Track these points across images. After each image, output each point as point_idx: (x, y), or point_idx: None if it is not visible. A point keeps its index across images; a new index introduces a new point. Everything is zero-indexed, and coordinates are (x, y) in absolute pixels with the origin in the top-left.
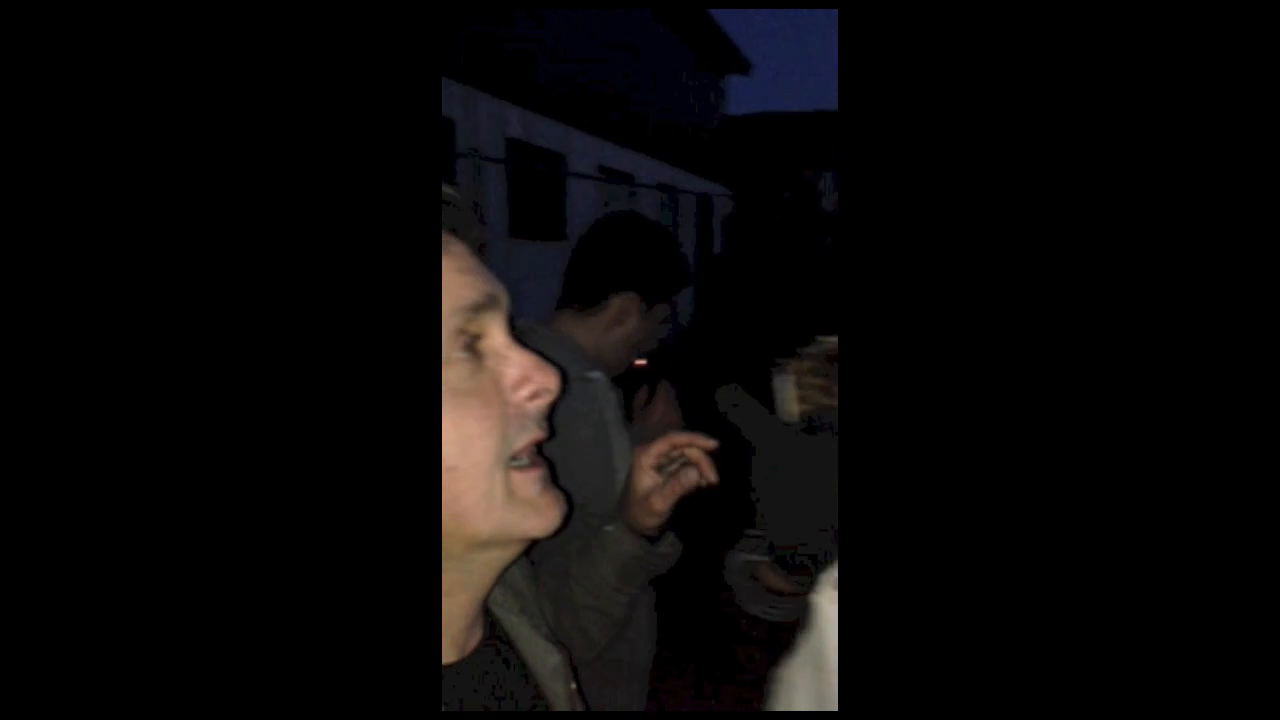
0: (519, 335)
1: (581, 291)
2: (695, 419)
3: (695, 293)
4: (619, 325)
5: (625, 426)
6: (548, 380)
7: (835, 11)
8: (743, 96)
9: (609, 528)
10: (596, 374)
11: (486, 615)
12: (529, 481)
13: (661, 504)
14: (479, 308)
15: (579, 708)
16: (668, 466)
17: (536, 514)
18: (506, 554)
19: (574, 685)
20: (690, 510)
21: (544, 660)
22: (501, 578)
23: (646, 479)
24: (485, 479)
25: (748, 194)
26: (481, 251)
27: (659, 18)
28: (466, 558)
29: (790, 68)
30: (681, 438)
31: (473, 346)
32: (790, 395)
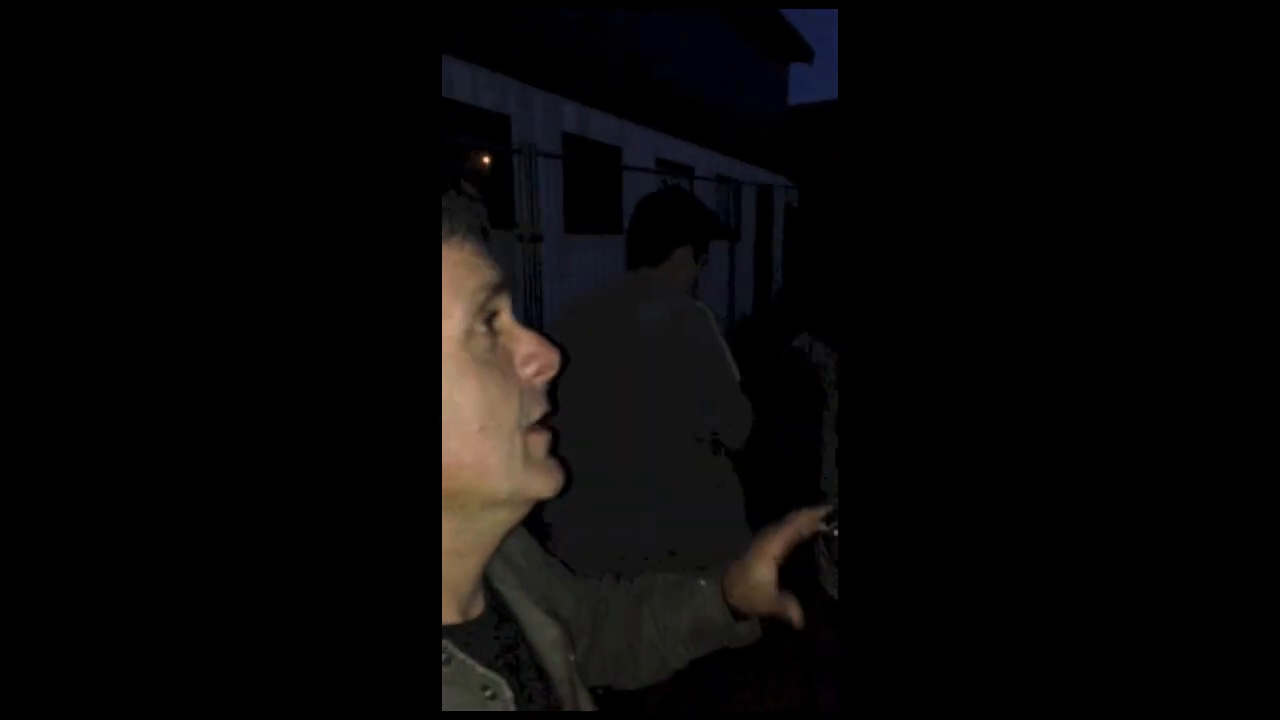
0: (626, 285)
1: (648, 250)
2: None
3: (755, 282)
4: (678, 273)
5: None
6: (551, 357)
7: None
8: (806, 85)
9: (704, 583)
10: (701, 303)
11: (487, 585)
12: (542, 444)
13: (764, 607)
14: (497, 288)
15: (576, 681)
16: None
17: (547, 475)
18: (515, 516)
19: (572, 657)
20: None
21: (543, 632)
22: (501, 550)
23: (765, 571)
24: (508, 440)
25: (810, 183)
26: (536, 242)
27: (723, 12)
28: (480, 517)
29: None
30: (806, 522)
31: (491, 323)
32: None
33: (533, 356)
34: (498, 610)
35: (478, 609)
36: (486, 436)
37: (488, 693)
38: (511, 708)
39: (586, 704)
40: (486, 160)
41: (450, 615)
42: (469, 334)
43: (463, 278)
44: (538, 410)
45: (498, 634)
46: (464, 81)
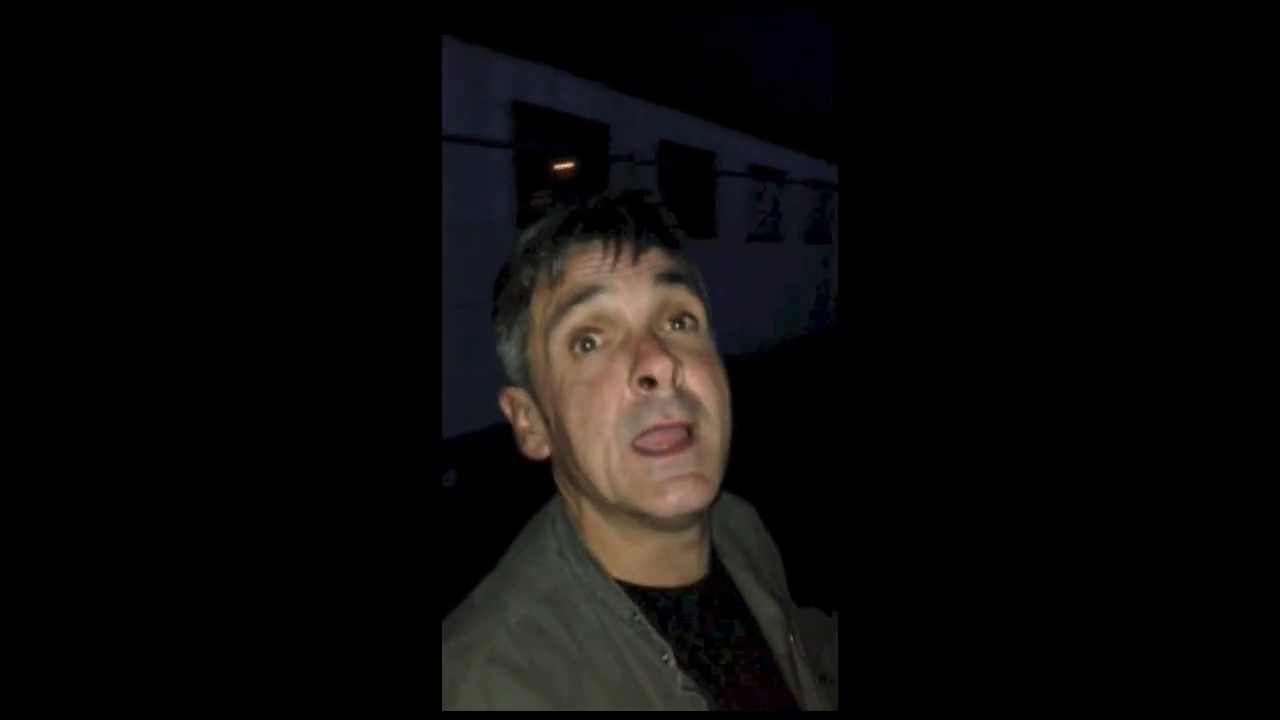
0: None
1: None
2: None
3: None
4: None
5: None
6: (650, 368)
7: None
8: None
9: None
10: None
11: (715, 562)
12: (642, 464)
13: None
14: (575, 300)
15: (797, 659)
16: None
17: (654, 494)
18: (645, 522)
19: (792, 638)
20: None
21: (763, 609)
22: (728, 530)
23: None
24: (604, 450)
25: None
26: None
27: (818, 14)
28: (618, 515)
29: None
30: None
31: (584, 342)
32: None
33: (635, 371)
34: (720, 583)
35: (697, 575)
36: (579, 444)
37: (664, 657)
38: (674, 672)
39: (807, 681)
40: (569, 166)
41: (666, 576)
42: (559, 353)
43: (543, 301)
44: (642, 423)
45: (714, 596)
46: (567, 90)
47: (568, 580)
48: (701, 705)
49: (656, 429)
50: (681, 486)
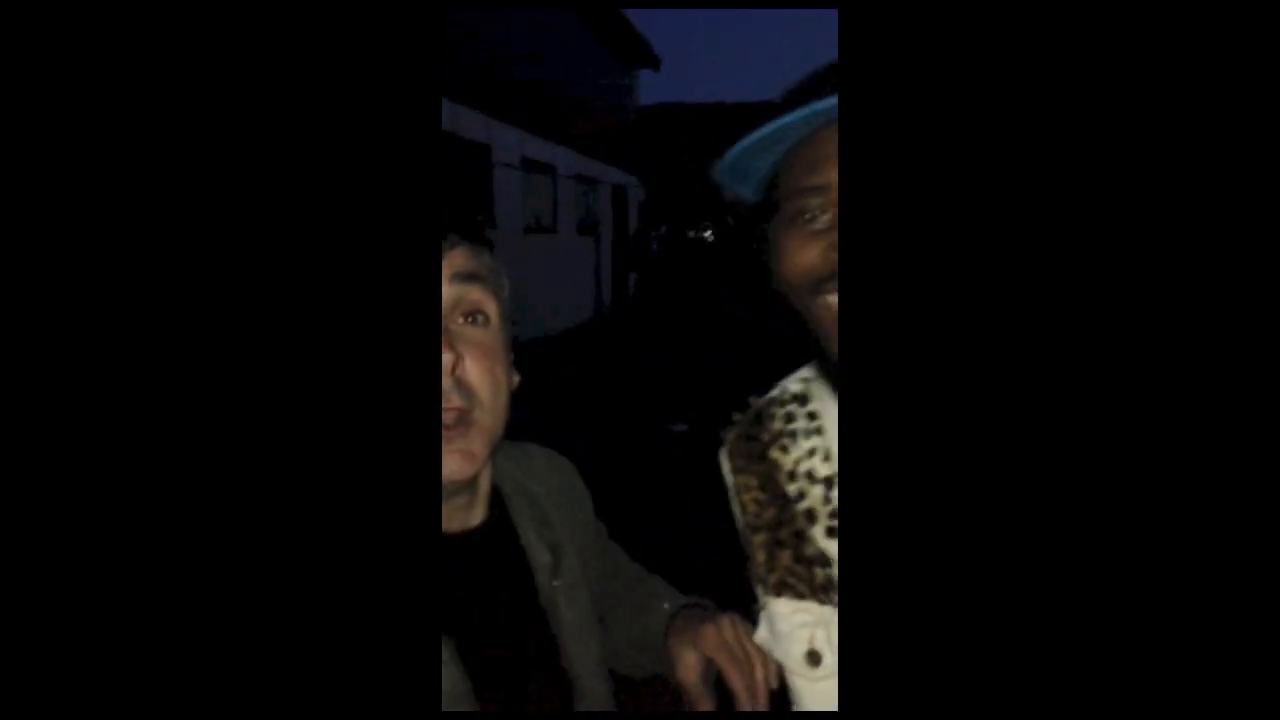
0: None
1: None
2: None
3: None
4: None
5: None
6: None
7: (738, 10)
8: (652, 90)
9: (666, 606)
10: None
11: (500, 513)
12: (445, 433)
13: (681, 679)
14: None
15: (561, 602)
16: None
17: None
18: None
19: (557, 582)
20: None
21: (538, 556)
22: (522, 489)
23: (690, 674)
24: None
25: (658, 182)
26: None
27: (579, 15)
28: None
29: (695, 62)
30: (737, 645)
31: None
32: (731, 484)
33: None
34: (497, 531)
35: (476, 520)
36: None
37: None
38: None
39: (570, 619)
40: None
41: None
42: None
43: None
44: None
45: (483, 544)
46: None
47: None
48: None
49: None
50: (450, 460)
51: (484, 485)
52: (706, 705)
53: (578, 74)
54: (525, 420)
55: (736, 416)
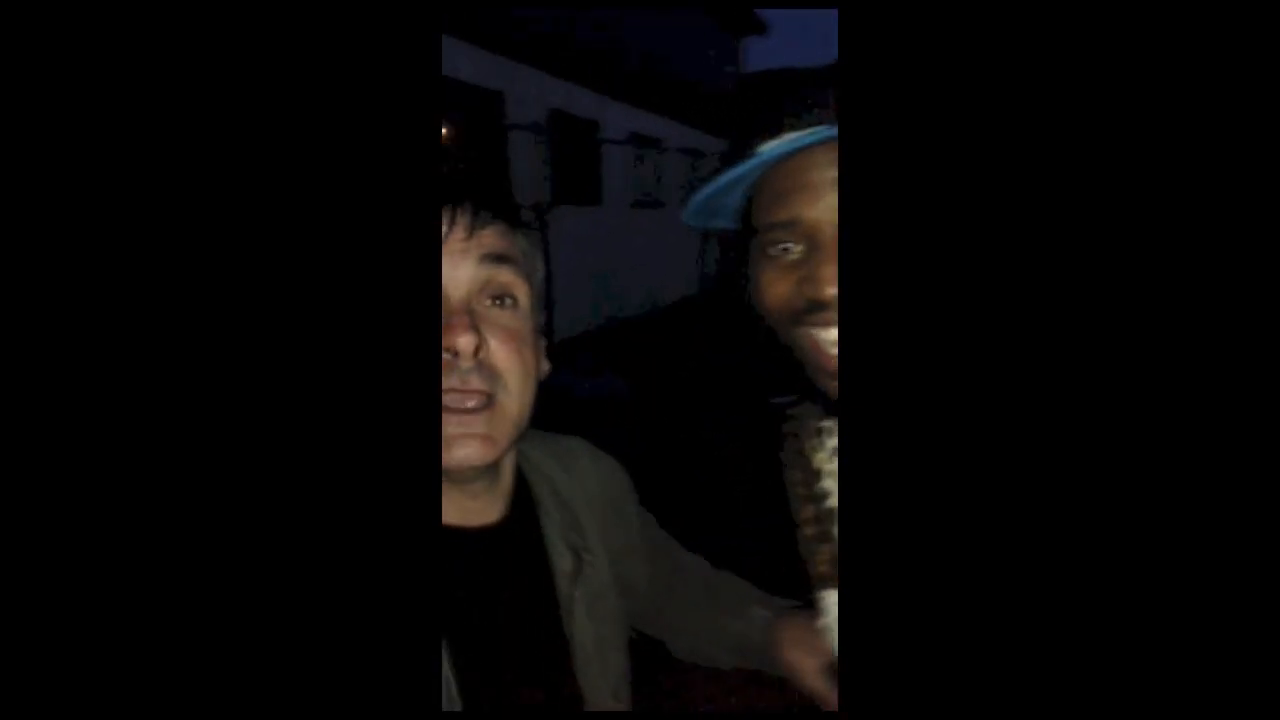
0: None
1: None
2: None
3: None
4: None
5: None
6: (452, 341)
7: None
8: (760, 56)
9: (764, 612)
10: None
11: (522, 511)
12: (447, 418)
13: (821, 700)
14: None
15: (576, 611)
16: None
17: (445, 446)
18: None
19: (577, 591)
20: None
21: (561, 560)
22: (553, 489)
23: (817, 679)
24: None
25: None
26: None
27: None
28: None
29: (803, 23)
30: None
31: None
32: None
33: (442, 342)
34: (515, 530)
35: (474, 521)
36: None
37: None
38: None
39: (584, 626)
40: (449, 134)
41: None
42: None
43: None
44: (453, 383)
45: (497, 543)
46: (460, 57)
47: None
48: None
49: (453, 390)
50: (467, 444)
51: (506, 478)
52: (833, 703)
53: (685, 46)
54: (623, 393)
55: (790, 411)
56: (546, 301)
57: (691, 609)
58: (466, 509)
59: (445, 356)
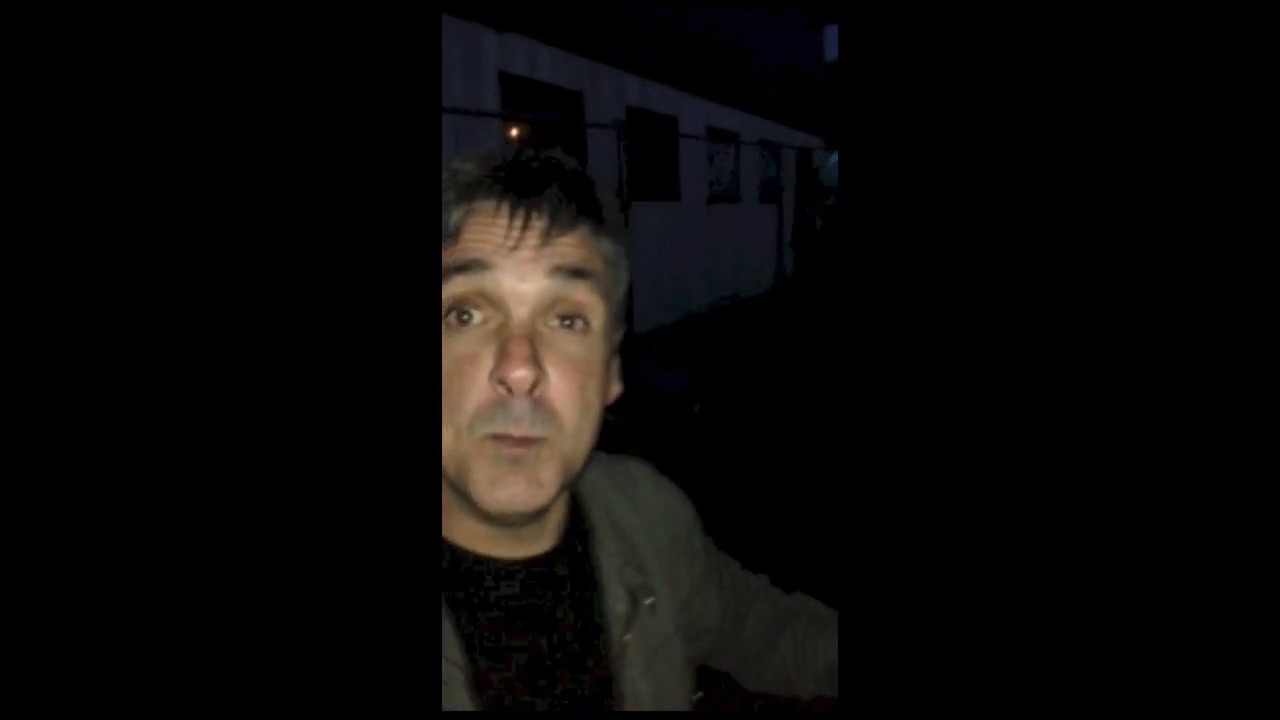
0: None
1: None
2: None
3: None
4: None
5: None
6: (508, 374)
7: None
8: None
9: None
10: None
11: (574, 543)
12: (491, 456)
13: None
14: (458, 269)
15: (629, 660)
16: None
17: (487, 486)
18: (473, 505)
19: (627, 637)
20: None
21: (615, 602)
22: (612, 522)
23: None
24: (455, 435)
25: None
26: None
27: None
28: (457, 495)
29: None
30: None
31: (460, 315)
32: None
33: (495, 370)
34: (563, 564)
35: (520, 553)
36: (445, 416)
37: None
38: (450, 634)
39: (636, 681)
40: (517, 133)
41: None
42: (446, 322)
43: (446, 250)
44: (493, 428)
45: (542, 578)
46: (544, 60)
47: None
48: (452, 675)
49: (504, 438)
50: (513, 485)
51: (555, 515)
52: None
53: (763, 37)
54: (692, 388)
55: None
56: (628, 310)
57: (767, 636)
58: (509, 543)
59: (496, 389)
